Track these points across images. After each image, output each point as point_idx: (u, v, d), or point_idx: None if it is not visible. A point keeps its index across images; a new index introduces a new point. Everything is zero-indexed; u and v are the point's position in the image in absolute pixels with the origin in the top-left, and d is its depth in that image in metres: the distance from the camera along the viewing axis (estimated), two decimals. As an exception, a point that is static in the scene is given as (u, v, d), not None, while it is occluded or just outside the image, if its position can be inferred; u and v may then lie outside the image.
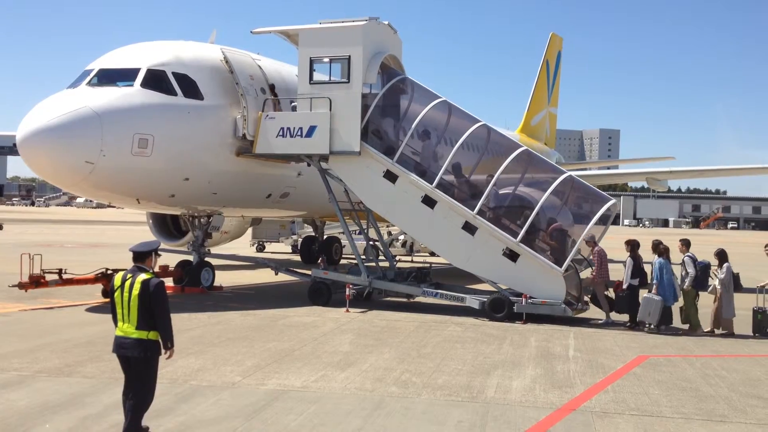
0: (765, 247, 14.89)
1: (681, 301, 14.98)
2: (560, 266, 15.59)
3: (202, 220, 19.44)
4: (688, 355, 12.60)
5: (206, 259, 19.54)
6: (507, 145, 18.28)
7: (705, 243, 53.48)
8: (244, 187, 18.51)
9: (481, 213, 16.17)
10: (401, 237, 31.83)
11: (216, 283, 19.43)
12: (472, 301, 16.11)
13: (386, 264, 18.89)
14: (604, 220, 16.68)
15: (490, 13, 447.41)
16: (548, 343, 13.13)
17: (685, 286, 14.80)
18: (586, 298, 16.32)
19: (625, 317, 15.43)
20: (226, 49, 18.07)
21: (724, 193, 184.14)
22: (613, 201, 16.71)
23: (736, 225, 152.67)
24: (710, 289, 14.80)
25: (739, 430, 8.22)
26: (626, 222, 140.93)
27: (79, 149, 14.86)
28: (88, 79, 16.18)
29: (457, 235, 16.35)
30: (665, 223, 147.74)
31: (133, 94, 15.87)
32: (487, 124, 18.19)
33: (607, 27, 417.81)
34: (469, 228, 16.22)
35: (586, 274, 16.62)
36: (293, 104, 17.86)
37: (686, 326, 14.94)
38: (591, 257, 16.00)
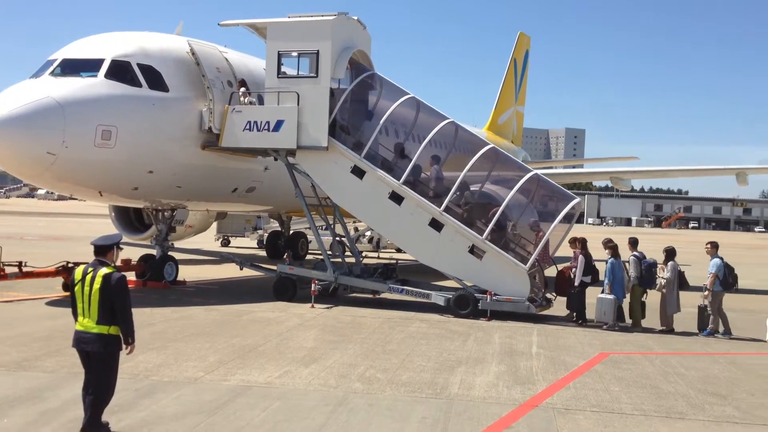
0: (706, 245, 15.22)
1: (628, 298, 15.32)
2: (525, 264, 15.72)
3: (165, 213, 19.22)
4: (649, 352, 12.78)
5: (170, 253, 19.30)
6: (474, 142, 18.36)
7: (667, 242, 54.35)
8: (210, 181, 18.32)
9: (447, 210, 16.22)
10: (368, 233, 31.83)
11: (179, 278, 19.22)
12: (438, 298, 16.17)
13: (352, 260, 18.87)
14: (568, 219, 16.87)
15: (458, 11, 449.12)
16: (512, 340, 13.23)
17: (630, 284, 15.11)
18: (549, 296, 16.50)
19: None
20: (193, 41, 17.85)
21: (686, 193, 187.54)
22: (577, 200, 16.89)
23: (697, 225, 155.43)
24: (657, 286, 15.10)
25: (697, 427, 8.36)
26: (590, 220, 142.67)
27: (41, 140, 14.57)
28: (51, 69, 15.87)
29: (424, 232, 16.39)
30: (628, 222, 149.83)
31: (97, 84, 15.60)
32: (455, 121, 18.25)
33: (574, 28, 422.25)
34: (436, 225, 16.27)
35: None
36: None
37: (629, 323, 15.25)
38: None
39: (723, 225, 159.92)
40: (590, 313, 15.30)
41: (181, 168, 17.26)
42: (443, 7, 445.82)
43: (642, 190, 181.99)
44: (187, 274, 20.24)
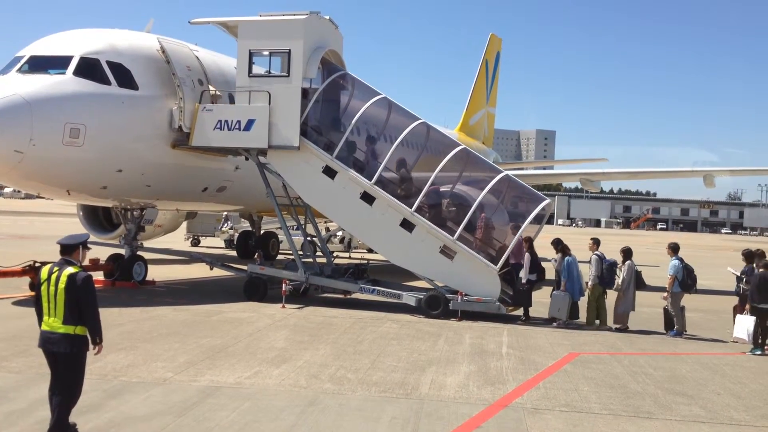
0: (667, 247, 15.47)
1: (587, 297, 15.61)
2: (495, 264, 15.81)
3: (135, 212, 19.01)
4: (617, 352, 12.92)
5: (139, 252, 19.09)
6: (446, 143, 18.41)
7: (634, 243, 55.03)
8: (180, 180, 18.16)
9: (419, 210, 16.25)
10: (339, 233, 31.77)
11: (149, 278, 19.03)
12: (409, 298, 16.19)
13: (324, 260, 18.83)
14: (539, 220, 17.00)
15: (430, 12, 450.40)
16: (482, 340, 13.29)
17: (590, 284, 15.34)
18: None
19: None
20: (163, 39, 17.68)
21: (654, 195, 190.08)
22: (547, 201, 17.03)
23: (665, 226, 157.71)
24: (615, 286, 15.35)
25: (664, 427, 8.47)
26: (560, 221, 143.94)
27: (8, 138, 14.31)
28: (18, 66, 15.61)
29: (395, 232, 16.40)
30: (598, 223, 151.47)
31: (65, 82, 15.38)
32: (427, 122, 18.30)
33: (545, 31, 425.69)
34: (407, 225, 16.29)
35: None
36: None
37: (583, 321, 15.54)
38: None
39: (690, 226, 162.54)
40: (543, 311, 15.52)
41: (151, 167, 17.08)
42: (415, 7, 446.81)
43: (611, 191, 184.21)
44: (156, 273, 20.04)
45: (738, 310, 14.46)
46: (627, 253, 15.55)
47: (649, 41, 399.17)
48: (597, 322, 15.39)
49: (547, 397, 9.47)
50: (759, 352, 13.29)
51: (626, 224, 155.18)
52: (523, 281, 15.84)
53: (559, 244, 15.89)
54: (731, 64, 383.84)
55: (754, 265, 14.08)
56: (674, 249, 15.22)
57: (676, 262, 14.90)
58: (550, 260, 16.51)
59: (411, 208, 16.20)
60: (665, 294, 14.88)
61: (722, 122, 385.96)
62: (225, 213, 31.85)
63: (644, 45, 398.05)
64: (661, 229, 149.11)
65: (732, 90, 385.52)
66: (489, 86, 45.59)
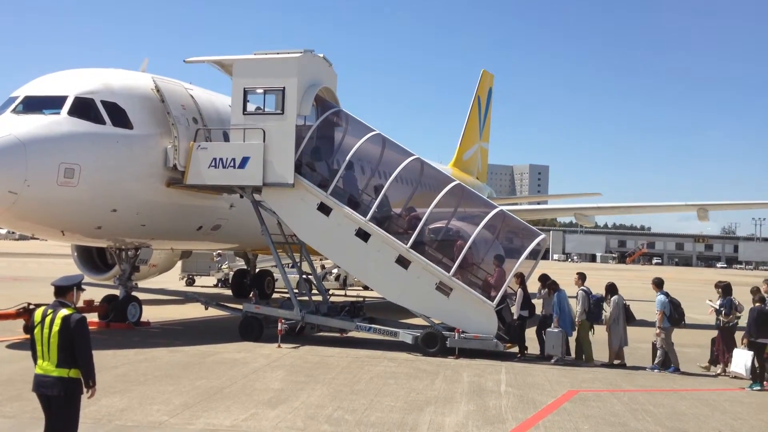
0: (651, 282, 15.46)
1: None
2: (492, 300, 15.73)
3: (129, 252, 18.90)
4: (616, 389, 12.80)
5: (133, 293, 18.95)
6: (440, 178, 18.44)
7: (631, 278, 54.95)
8: (174, 219, 18.10)
9: (414, 247, 16.20)
10: (335, 270, 31.66)
11: (143, 319, 18.85)
12: (406, 336, 16.07)
13: (319, 298, 18.72)
14: (534, 255, 16.98)
15: (423, 49, 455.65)
16: (480, 379, 13.16)
17: (576, 319, 15.33)
18: None
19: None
20: (158, 77, 17.77)
21: (649, 229, 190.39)
22: (542, 236, 17.01)
23: (660, 261, 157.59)
24: (604, 321, 15.37)
25: (667, 464, 8.34)
26: (555, 257, 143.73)
27: (2, 179, 14.25)
28: (13, 106, 15.63)
29: (391, 269, 16.33)
30: (593, 258, 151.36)
31: (60, 122, 15.40)
32: (421, 157, 18.34)
33: (537, 67, 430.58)
34: (403, 262, 16.22)
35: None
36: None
37: (582, 357, 15.46)
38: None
39: (686, 261, 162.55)
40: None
41: (146, 206, 17.04)
42: (409, 44, 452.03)
43: (606, 225, 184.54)
44: (151, 314, 19.88)
45: (718, 343, 14.58)
46: (611, 289, 15.59)
47: (640, 74, 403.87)
48: (579, 356, 15.43)
49: (548, 436, 9.34)
50: (758, 387, 13.18)
51: (621, 259, 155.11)
52: (515, 317, 15.82)
53: (546, 280, 15.94)
54: (725, 96, 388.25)
55: (753, 300, 14.02)
56: (658, 284, 15.25)
57: (662, 297, 14.93)
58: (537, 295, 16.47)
59: (406, 244, 16.15)
60: (657, 330, 14.82)
61: (714, 155, 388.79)
62: (217, 251, 31.77)
63: (635, 78, 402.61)
64: (657, 264, 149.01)
65: (724, 123, 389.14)
66: (482, 122, 45.95)
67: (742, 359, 13.54)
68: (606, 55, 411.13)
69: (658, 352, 14.85)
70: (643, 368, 14.91)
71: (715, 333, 15.08)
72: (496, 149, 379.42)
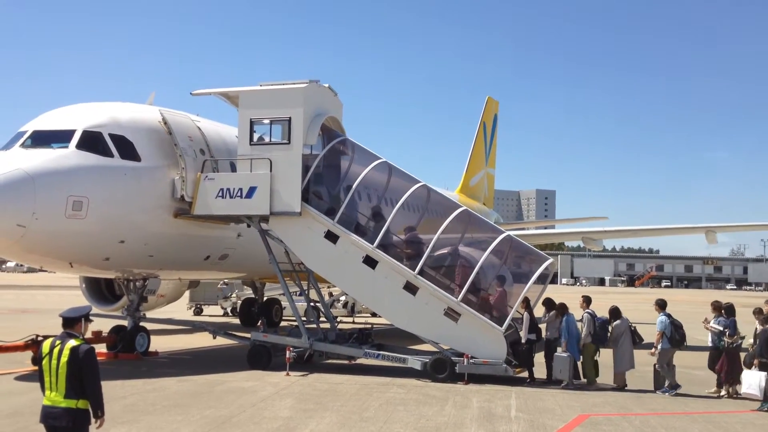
0: (654, 303, 15.50)
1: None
2: (501, 325, 15.68)
3: (137, 283, 18.95)
4: (628, 413, 12.71)
5: (141, 323, 18.97)
6: (447, 205, 18.49)
7: (640, 301, 54.62)
8: (182, 249, 18.18)
9: (422, 273, 16.20)
10: (342, 298, 31.60)
11: (151, 349, 18.84)
12: (414, 362, 16.01)
13: (327, 325, 18.69)
14: (542, 279, 16.96)
15: (428, 76, 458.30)
16: (490, 404, 13.09)
17: (581, 342, 15.32)
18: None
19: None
20: (165, 110, 17.97)
21: (657, 252, 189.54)
22: (550, 260, 17.01)
23: (669, 283, 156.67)
24: (609, 344, 15.36)
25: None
26: (564, 281, 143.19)
27: (11, 212, 14.39)
28: (21, 140, 15.83)
29: (399, 296, 16.32)
30: (602, 282, 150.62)
31: (68, 155, 15.56)
32: (427, 184, 18.41)
33: (542, 92, 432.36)
34: (411, 288, 16.22)
35: None
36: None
37: (584, 380, 15.41)
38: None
39: (695, 283, 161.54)
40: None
41: (154, 237, 17.14)
42: (414, 71, 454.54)
43: (614, 249, 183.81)
44: (159, 344, 19.88)
45: (722, 364, 14.56)
46: (614, 313, 15.63)
47: (645, 97, 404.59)
48: (590, 380, 15.38)
49: (559, 461, 9.27)
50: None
51: (630, 282, 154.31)
52: (523, 341, 15.81)
53: (551, 304, 16.06)
54: (729, 119, 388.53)
55: (757, 322, 13.98)
56: (661, 305, 15.25)
57: (664, 318, 14.94)
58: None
59: (414, 270, 16.16)
60: (653, 350, 14.81)
61: (720, 176, 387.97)
62: (223, 281, 31.79)
63: (638, 101, 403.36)
64: (666, 287, 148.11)
65: (727, 143, 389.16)
66: (488, 148, 46.13)
67: (755, 380, 13.43)
68: (608, 80, 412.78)
69: (661, 374, 14.78)
70: (653, 391, 14.80)
71: (706, 355, 15.05)
72: (502, 175, 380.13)
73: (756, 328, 13.98)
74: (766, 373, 13.30)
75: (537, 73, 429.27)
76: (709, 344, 15.07)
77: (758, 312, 14.31)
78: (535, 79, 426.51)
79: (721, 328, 14.74)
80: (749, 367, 13.81)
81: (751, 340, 14.15)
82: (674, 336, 14.72)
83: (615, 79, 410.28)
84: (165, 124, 17.43)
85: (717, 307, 15.22)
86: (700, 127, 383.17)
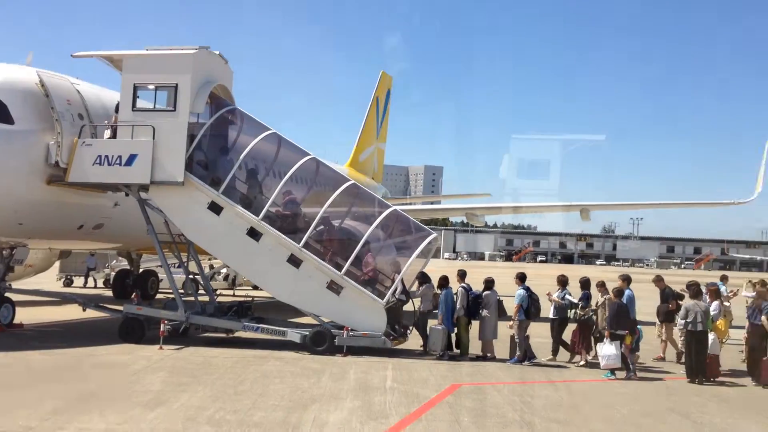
0: (515, 276, 16.32)
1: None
2: (382, 299, 15.94)
3: (4, 252, 17.97)
4: (497, 382, 13.28)
5: (6, 294, 18.00)
6: (335, 178, 18.53)
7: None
8: (54, 218, 17.32)
9: (307, 246, 16.18)
10: (223, 270, 31.15)
11: (16, 320, 17.96)
12: (294, 335, 16.04)
13: (206, 298, 18.39)
14: (425, 253, 17.32)
15: (321, 48, 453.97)
16: (367, 375, 13.31)
17: (456, 315, 15.90)
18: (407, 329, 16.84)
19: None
20: (43, 72, 17.01)
21: (535, 228, 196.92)
22: (434, 235, 17.38)
23: (545, 258, 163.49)
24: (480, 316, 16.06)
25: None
26: (446, 255, 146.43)
27: None
28: None
29: (282, 268, 16.24)
30: (482, 257, 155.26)
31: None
32: (317, 157, 18.32)
33: (433, 68, 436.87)
34: (295, 261, 16.17)
35: None
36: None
37: (458, 351, 16.00)
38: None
39: (568, 258, 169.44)
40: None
41: (24, 204, 16.27)
42: (307, 42, 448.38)
43: (495, 225, 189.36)
44: (25, 316, 18.95)
45: (576, 335, 15.66)
46: (488, 283, 16.21)
47: (533, 72, 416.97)
48: (458, 351, 15.95)
49: (429, 429, 9.60)
50: (627, 375, 14.18)
51: (509, 257, 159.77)
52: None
53: (425, 277, 16.79)
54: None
55: (609, 294, 15.01)
56: (521, 278, 16.10)
57: (522, 291, 15.73)
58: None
59: (299, 243, 16.12)
60: (511, 323, 15.58)
61: (598, 159, 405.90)
62: (90, 252, 30.70)
63: (521, 81, 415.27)
64: (542, 262, 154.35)
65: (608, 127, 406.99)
66: (379, 123, 46.30)
67: (610, 351, 14.23)
68: (503, 58, 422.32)
69: (518, 345, 15.53)
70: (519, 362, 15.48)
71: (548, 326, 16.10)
72: (392, 150, 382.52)
73: (598, 300, 15.23)
74: (618, 341, 14.23)
75: (430, 48, 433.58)
76: (551, 315, 16.14)
77: (601, 285, 15.60)
78: (428, 54, 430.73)
79: (562, 301, 15.88)
80: (600, 339, 14.71)
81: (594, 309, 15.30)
82: (530, 308, 15.53)
83: (508, 55, 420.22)
84: (42, 86, 16.53)
85: (561, 281, 16.31)
86: (581, 112, 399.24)
